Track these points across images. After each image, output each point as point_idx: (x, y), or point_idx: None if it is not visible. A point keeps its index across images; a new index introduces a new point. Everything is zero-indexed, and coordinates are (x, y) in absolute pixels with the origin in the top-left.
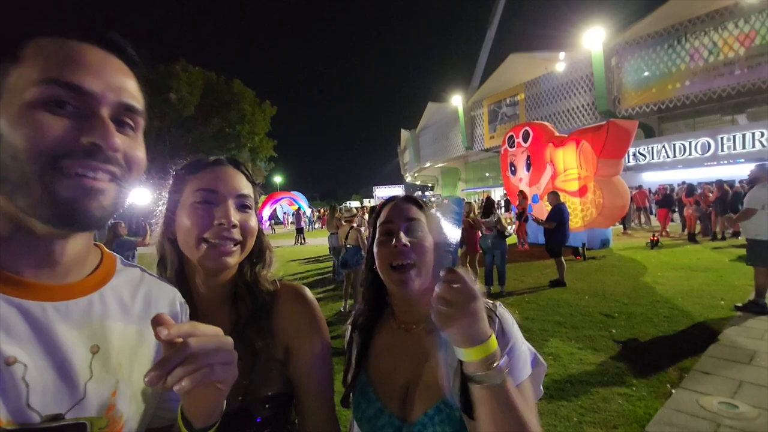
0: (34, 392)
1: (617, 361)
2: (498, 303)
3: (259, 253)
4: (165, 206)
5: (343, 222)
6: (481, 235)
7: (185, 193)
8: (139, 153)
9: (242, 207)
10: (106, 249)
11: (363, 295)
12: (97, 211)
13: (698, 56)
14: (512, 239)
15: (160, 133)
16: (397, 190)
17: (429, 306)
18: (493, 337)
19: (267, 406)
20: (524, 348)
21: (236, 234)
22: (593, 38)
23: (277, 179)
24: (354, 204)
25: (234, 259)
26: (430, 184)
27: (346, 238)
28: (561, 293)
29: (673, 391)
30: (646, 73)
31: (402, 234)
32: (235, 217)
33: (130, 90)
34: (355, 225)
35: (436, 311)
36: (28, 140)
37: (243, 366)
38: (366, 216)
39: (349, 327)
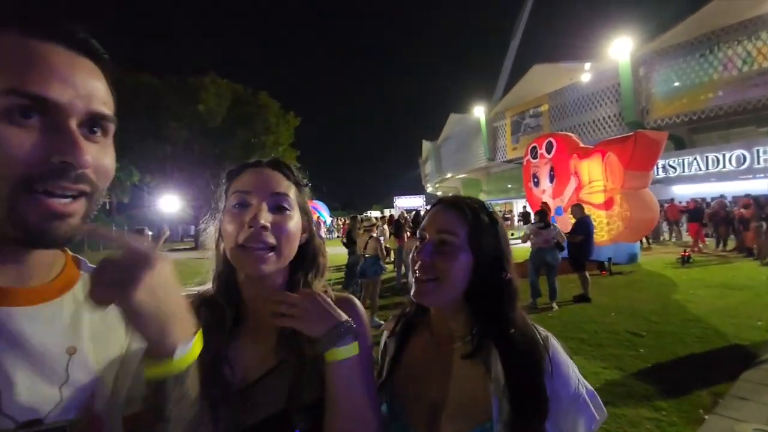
0: (6, 399)
1: (645, 383)
2: (549, 335)
3: (312, 259)
4: (218, 217)
5: (361, 231)
6: (532, 247)
7: (227, 199)
8: (108, 161)
9: (277, 208)
10: (70, 252)
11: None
12: (66, 233)
13: (732, 66)
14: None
15: (188, 144)
16: (418, 201)
17: (466, 327)
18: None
19: (308, 414)
20: (582, 391)
21: (268, 237)
22: (620, 48)
23: None
24: (374, 214)
25: (269, 267)
26: (450, 195)
27: (365, 248)
28: (585, 309)
29: (706, 416)
30: (676, 83)
31: (426, 248)
32: (266, 218)
33: (100, 95)
34: (374, 235)
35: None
36: None
37: (288, 372)
38: (386, 226)
39: (384, 332)
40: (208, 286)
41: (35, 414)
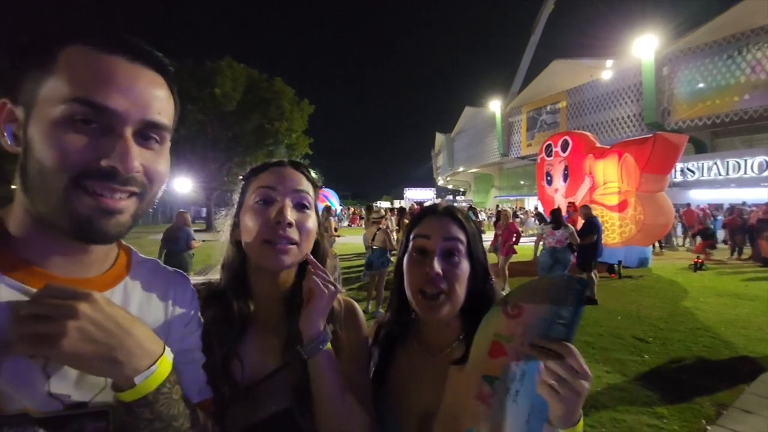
0: (55, 382)
1: (648, 390)
2: None
3: (321, 260)
4: (234, 210)
5: (371, 223)
6: (544, 247)
7: (248, 194)
8: (162, 166)
9: (300, 206)
10: (123, 243)
11: (390, 304)
12: (113, 229)
13: (760, 68)
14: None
15: (202, 127)
16: (429, 193)
17: (456, 333)
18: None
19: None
20: None
21: (292, 233)
22: (644, 46)
23: None
24: (384, 204)
25: (290, 259)
26: (462, 189)
27: (373, 239)
28: (591, 312)
29: (709, 427)
30: (700, 85)
31: (437, 260)
32: (292, 215)
33: (157, 104)
34: (382, 227)
35: (545, 386)
36: (54, 157)
37: (294, 372)
38: (393, 219)
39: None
40: (216, 276)
41: (81, 397)
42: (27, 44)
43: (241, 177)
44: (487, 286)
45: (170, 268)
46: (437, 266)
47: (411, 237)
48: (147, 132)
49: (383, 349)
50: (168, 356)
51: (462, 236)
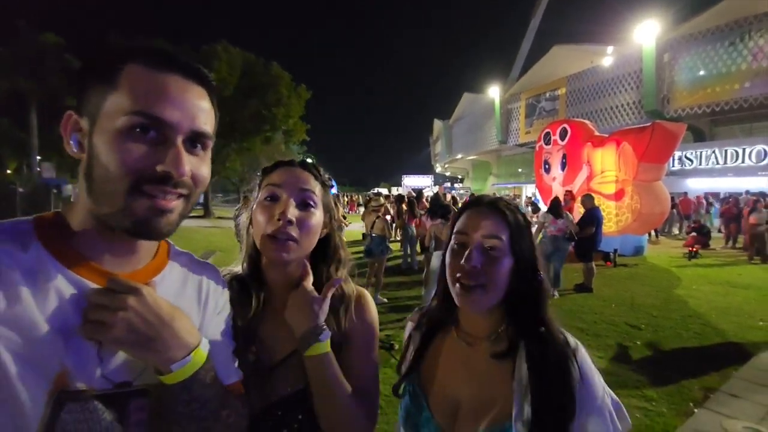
0: (106, 364)
1: (638, 374)
2: (579, 343)
3: (333, 253)
4: (250, 206)
5: (370, 210)
6: (544, 235)
7: (260, 191)
8: (205, 170)
9: (304, 204)
10: (167, 239)
11: (436, 291)
12: (165, 227)
13: (762, 56)
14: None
15: None
16: (426, 180)
17: (494, 325)
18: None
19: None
20: (607, 402)
21: (292, 230)
22: (646, 32)
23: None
24: (383, 191)
25: (290, 254)
26: (460, 176)
27: (372, 227)
28: (586, 299)
29: (696, 410)
30: (701, 72)
31: (474, 254)
32: (293, 213)
33: (203, 115)
34: (381, 214)
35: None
36: (117, 163)
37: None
38: (389, 206)
39: (410, 323)
40: (238, 268)
41: (127, 378)
42: (94, 63)
43: (258, 174)
44: (534, 282)
45: (202, 260)
46: (474, 259)
47: (453, 230)
48: (194, 140)
49: (425, 333)
50: (203, 347)
51: (503, 232)
